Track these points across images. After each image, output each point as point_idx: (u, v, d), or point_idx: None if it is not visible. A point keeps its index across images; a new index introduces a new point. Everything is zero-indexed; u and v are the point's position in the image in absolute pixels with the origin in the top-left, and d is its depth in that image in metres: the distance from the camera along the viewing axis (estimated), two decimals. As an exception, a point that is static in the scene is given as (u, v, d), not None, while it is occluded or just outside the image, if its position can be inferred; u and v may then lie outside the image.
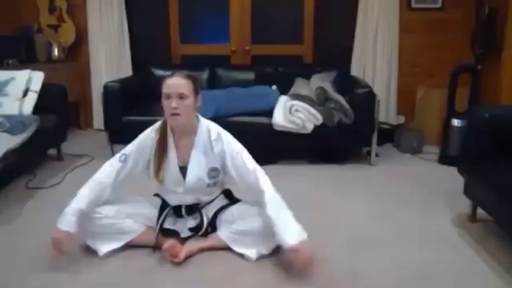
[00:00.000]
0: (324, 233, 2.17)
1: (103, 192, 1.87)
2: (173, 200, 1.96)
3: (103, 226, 1.89)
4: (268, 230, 1.87)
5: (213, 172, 1.88)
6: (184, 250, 1.86)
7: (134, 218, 1.92)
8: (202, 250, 1.92)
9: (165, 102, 1.78)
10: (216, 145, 1.86)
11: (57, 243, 1.77)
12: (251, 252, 1.88)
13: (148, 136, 1.89)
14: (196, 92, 1.82)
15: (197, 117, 1.90)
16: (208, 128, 1.88)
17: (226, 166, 1.87)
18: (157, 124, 1.91)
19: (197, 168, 1.86)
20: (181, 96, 1.76)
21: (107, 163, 1.91)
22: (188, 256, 1.88)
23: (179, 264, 1.84)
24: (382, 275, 1.80)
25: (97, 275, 1.79)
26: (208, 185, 1.91)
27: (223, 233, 1.91)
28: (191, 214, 1.96)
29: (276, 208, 1.78)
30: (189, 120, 1.85)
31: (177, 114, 1.76)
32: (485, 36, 3.46)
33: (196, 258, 1.89)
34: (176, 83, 1.77)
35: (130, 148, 1.91)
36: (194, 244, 1.90)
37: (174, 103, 1.75)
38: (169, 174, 1.87)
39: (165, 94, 1.77)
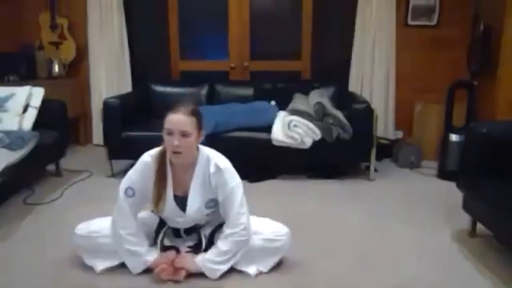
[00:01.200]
0: (322, 248, 2.16)
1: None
2: (171, 224, 1.96)
3: (100, 245, 1.88)
4: (267, 248, 1.87)
5: (211, 203, 1.88)
6: (183, 270, 1.84)
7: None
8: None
9: (167, 138, 1.72)
10: (213, 178, 1.82)
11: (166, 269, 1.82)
12: (251, 269, 1.87)
13: (149, 164, 1.84)
14: (199, 128, 1.77)
15: (197, 148, 1.85)
16: (208, 159, 1.83)
17: (218, 198, 1.86)
18: (155, 152, 1.85)
19: (196, 200, 1.84)
20: (184, 134, 1.70)
21: (116, 206, 1.85)
22: (188, 274, 1.86)
23: (179, 282, 1.82)
24: (382, 291, 1.79)
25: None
26: (207, 215, 1.92)
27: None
28: (189, 234, 1.97)
29: (225, 244, 1.82)
30: (191, 156, 1.81)
31: (179, 153, 1.72)
32: (481, 53, 3.51)
33: (195, 274, 1.88)
34: (179, 121, 1.70)
35: (132, 178, 1.85)
36: (192, 262, 1.86)
37: (176, 141, 1.70)
38: (168, 206, 1.85)
39: (167, 129, 1.71)
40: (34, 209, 2.68)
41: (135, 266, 1.86)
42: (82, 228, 1.93)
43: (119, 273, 1.90)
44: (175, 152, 1.72)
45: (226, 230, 1.83)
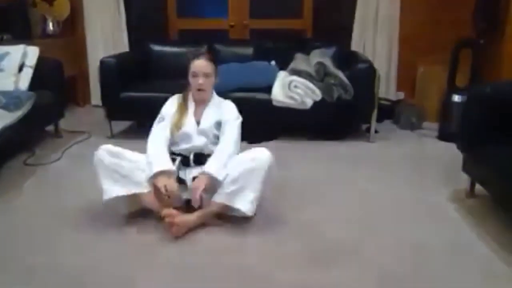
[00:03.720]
0: (323, 210, 2.19)
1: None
2: (184, 146, 2.12)
3: (119, 165, 1.95)
4: (248, 169, 1.93)
5: (218, 125, 2.15)
6: (184, 225, 1.90)
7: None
8: (201, 219, 1.97)
9: (192, 79, 2.13)
10: (223, 106, 2.20)
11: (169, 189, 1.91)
12: (248, 208, 1.92)
13: (176, 97, 2.25)
14: (215, 71, 2.18)
15: (212, 91, 2.24)
16: (219, 99, 2.26)
17: (222, 120, 2.15)
18: (179, 95, 2.25)
19: (208, 118, 2.15)
20: (206, 75, 2.11)
21: (152, 130, 2.14)
22: (188, 230, 1.91)
23: (178, 238, 1.87)
24: (381, 251, 1.82)
25: (97, 252, 1.81)
26: (214, 136, 2.14)
27: (218, 196, 1.97)
28: (196, 163, 2.09)
29: (221, 149, 2.04)
30: (209, 94, 2.21)
31: (203, 90, 2.13)
32: (488, 10, 3.39)
33: (197, 232, 1.91)
34: (203, 64, 2.12)
35: (163, 111, 2.20)
36: (192, 218, 1.94)
37: (201, 80, 2.10)
38: (187, 121, 2.15)
39: (193, 73, 2.12)
40: (35, 170, 2.69)
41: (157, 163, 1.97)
42: (107, 147, 2.00)
43: (123, 232, 1.94)
44: (199, 90, 2.13)
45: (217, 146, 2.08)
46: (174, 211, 1.92)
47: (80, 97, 4.34)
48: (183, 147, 2.13)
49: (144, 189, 1.97)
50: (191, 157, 2.11)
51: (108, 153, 1.98)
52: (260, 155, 1.97)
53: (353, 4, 3.90)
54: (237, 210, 1.95)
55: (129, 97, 3.20)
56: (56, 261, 1.74)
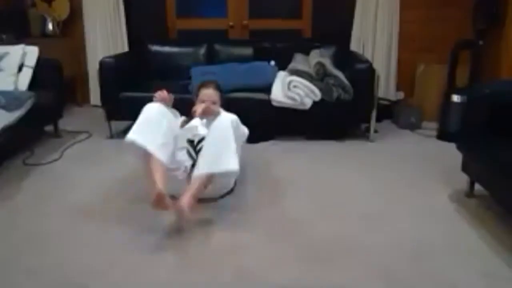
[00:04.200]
0: (322, 209, 2.19)
1: None
2: (188, 134, 2.26)
3: (161, 128, 2.04)
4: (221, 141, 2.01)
5: None
6: (187, 209, 1.88)
7: (174, 153, 2.12)
8: (196, 196, 1.94)
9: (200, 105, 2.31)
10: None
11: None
12: (232, 163, 1.96)
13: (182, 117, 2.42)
14: (221, 98, 2.45)
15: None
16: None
17: None
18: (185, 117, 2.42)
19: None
20: (213, 103, 2.34)
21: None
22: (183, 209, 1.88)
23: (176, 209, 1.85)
24: (381, 251, 1.82)
25: (97, 252, 1.81)
26: None
27: (202, 168, 2.00)
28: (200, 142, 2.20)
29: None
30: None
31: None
32: (487, 10, 3.40)
33: (195, 232, 1.91)
34: (210, 93, 2.40)
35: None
36: (187, 200, 1.90)
37: None
38: (192, 122, 2.35)
39: (201, 100, 2.36)
40: (34, 169, 2.69)
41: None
42: (163, 109, 2.14)
43: (123, 230, 1.93)
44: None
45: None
46: (167, 202, 1.84)
47: (79, 97, 4.33)
48: (187, 135, 2.25)
49: (160, 155, 1.98)
50: (196, 139, 2.22)
51: (160, 113, 2.10)
52: (220, 120, 2.05)
53: (352, 4, 3.91)
54: (224, 173, 2.00)
55: (129, 97, 3.20)
56: (56, 261, 1.73)
